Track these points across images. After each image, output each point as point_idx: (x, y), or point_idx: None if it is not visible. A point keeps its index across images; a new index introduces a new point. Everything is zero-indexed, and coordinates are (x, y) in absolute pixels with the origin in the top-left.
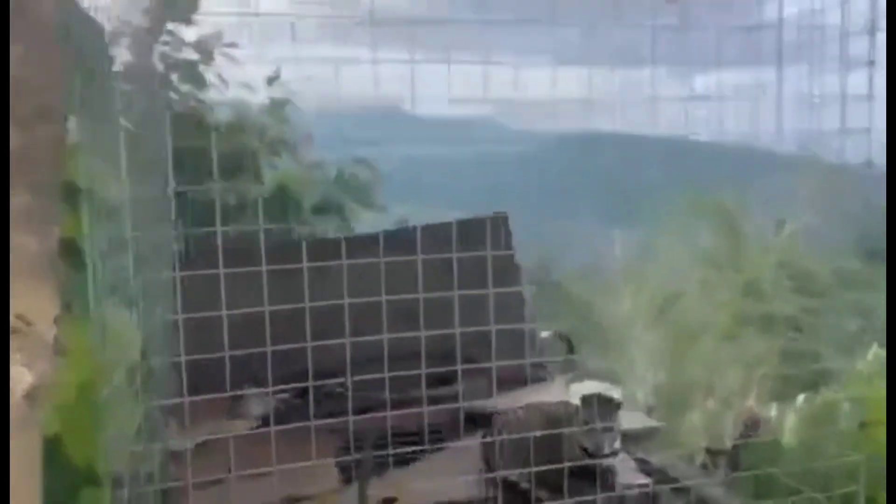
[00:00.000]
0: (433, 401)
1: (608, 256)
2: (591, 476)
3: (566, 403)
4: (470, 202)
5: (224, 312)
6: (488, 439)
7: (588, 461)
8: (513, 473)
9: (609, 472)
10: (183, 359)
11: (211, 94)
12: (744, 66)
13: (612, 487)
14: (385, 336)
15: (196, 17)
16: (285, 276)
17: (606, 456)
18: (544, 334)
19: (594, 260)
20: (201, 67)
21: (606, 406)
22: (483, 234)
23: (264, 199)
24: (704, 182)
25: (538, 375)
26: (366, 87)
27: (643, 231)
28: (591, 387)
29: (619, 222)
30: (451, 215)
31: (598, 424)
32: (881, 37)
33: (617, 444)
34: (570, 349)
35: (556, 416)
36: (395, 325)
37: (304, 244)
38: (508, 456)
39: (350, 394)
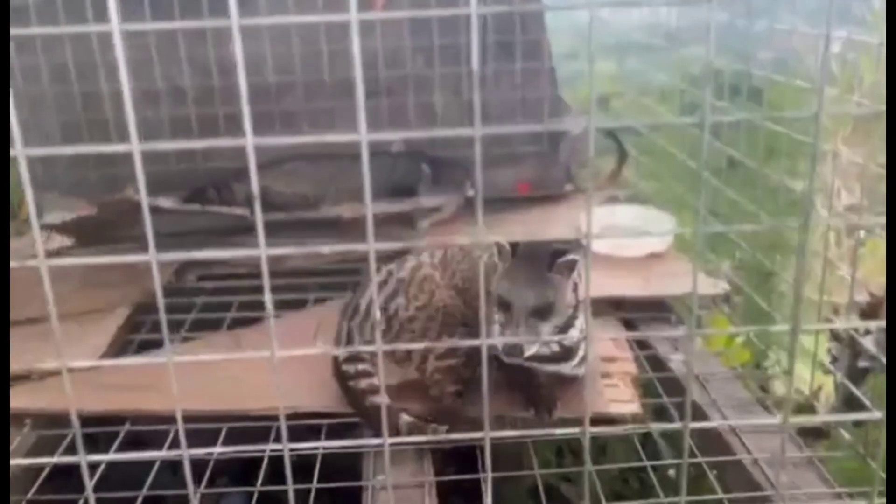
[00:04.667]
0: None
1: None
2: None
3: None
4: None
5: None
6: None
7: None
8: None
9: (543, 387)
10: None
11: None
12: None
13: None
14: None
15: None
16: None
17: (525, 359)
18: (576, 132)
19: (794, 58)
20: None
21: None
22: None
23: None
24: None
25: (559, 191)
26: None
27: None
28: (631, 215)
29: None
30: None
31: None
32: None
33: (561, 346)
34: (621, 156)
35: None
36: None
37: None
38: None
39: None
